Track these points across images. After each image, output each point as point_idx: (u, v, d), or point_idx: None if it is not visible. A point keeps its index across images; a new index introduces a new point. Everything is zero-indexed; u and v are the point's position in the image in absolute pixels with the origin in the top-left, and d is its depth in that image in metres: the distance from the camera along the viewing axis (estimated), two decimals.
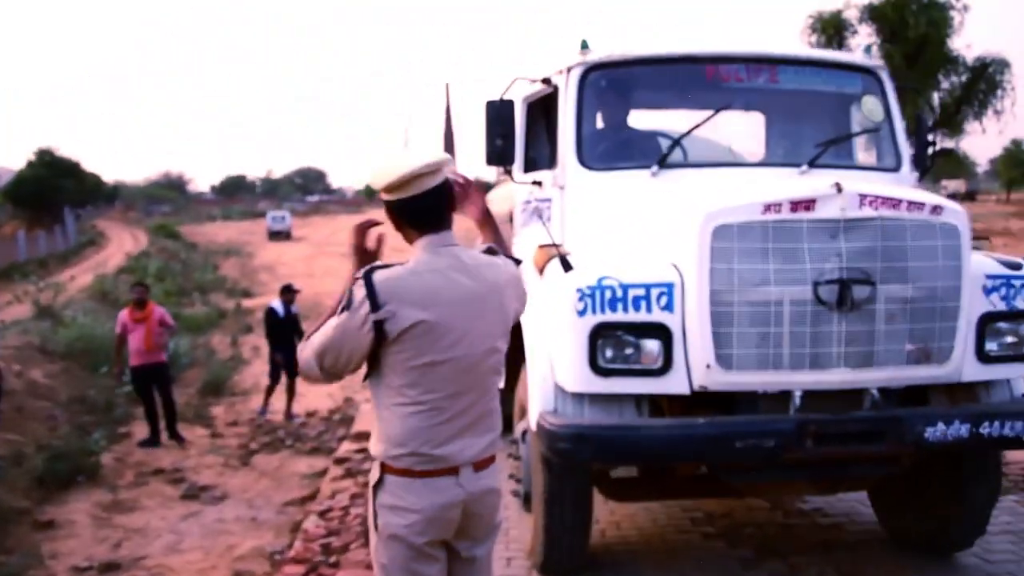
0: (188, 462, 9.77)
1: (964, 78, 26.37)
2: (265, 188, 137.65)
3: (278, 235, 58.66)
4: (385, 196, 2.59)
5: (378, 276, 2.47)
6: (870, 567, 4.78)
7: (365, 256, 2.64)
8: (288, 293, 11.58)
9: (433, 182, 2.56)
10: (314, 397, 12.50)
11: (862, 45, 5.30)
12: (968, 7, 25.85)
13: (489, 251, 2.74)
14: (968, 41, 32.52)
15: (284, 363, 11.22)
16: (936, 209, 3.90)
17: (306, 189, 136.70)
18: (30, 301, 19.26)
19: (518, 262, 2.81)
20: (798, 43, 5.91)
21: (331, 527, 6.02)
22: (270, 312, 11.62)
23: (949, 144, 27.80)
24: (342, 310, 2.49)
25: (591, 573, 4.67)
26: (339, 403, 12.24)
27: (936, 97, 26.82)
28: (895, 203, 3.83)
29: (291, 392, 11.54)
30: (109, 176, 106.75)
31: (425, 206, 2.56)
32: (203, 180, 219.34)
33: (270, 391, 11.69)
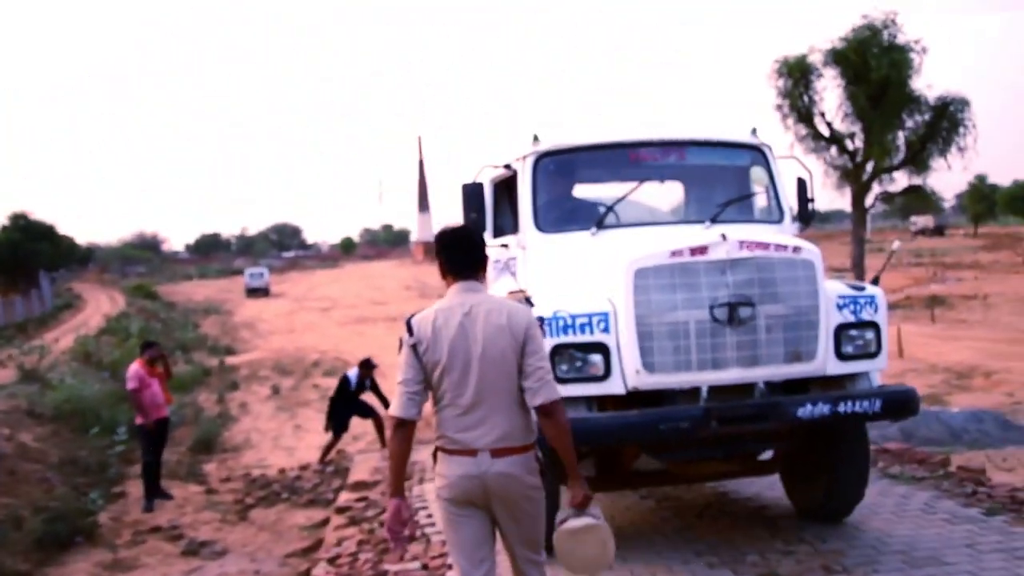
0: (185, 519, 9.95)
1: (927, 116, 27.03)
2: (240, 245, 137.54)
3: (256, 292, 58.83)
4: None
5: (414, 319, 3.80)
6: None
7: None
8: (366, 368, 12.80)
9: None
10: (306, 450, 12.64)
11: (750, 128, 6.84)
12: (927, 49, 26.86)
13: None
14: (929, 81, 33.33)
15: (341, 422, 12.63)
16: (796, 249, 5.51)
17: (282, 245, 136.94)
18: (14, 365, 19.17)
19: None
20: (703, 126, 6.95)
21: (341, 573, 6.35)
22: (344, 380, 12.81)
23: (916, 181, 28.47)
24: (400, 348, 3.84)
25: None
26: (332, 455, 12.28)
27: (902, 136, 27.36)
28: (765, 246, 5.43)
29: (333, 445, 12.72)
30: (83, 238, 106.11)
31: (449, 260, 3.85)
32: (177, 239, 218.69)
33: (331, 447, 12.67)
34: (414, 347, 3.67)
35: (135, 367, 10.53)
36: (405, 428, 3.69)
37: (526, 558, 3.79)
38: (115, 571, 8.26)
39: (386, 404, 12.55)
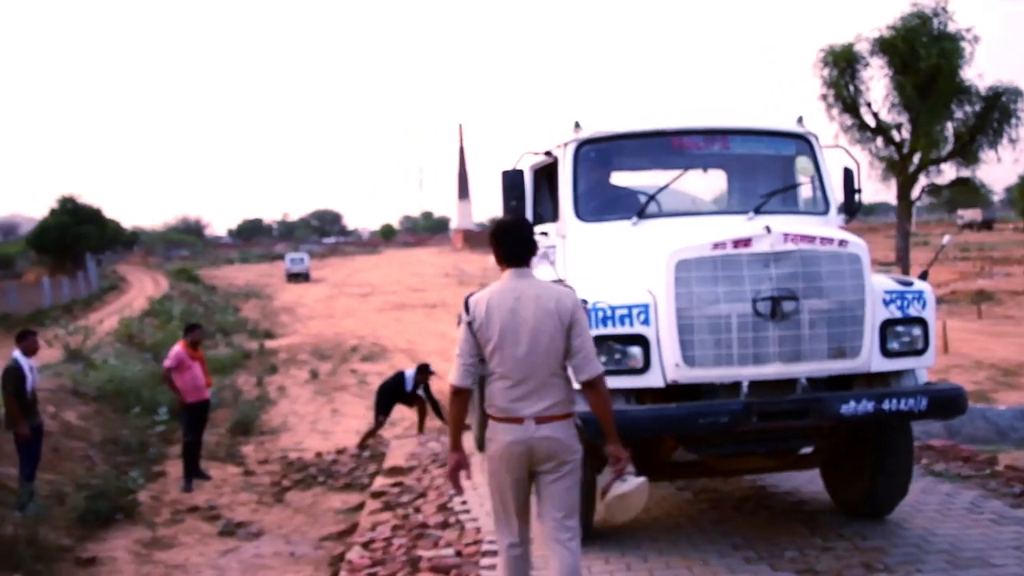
0: (222, 499, 10.04)
1: (977, 107, 26.45)
2: (282, 231, 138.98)
3: (297, 277, 59.22)
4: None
5: (471, 299, 4.21)
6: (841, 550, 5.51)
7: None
8: (422, 374, 12.86)
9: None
10: (343, 435, 12.67)
11: (797, 116, 6.77)
12: (979, 38, 26.38)
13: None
14: (980, 71, 32.52)
15: (385, 411, 12.76)
16: (842, 242, 5.38)
17: (322, 231, 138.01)
18: (60, 345, 19.48)
19: None
20: (748, 115, 7.05)
21: (375, 557, 6.33)
22: (400, 378, 12.93)
23: (965, 173, 27.72)
24: (458, 324, 4.25)
25: (594, 540, 5.79)
26: (371, 441, 12.31)
27: (950, 127, 26.83)
28: (810, 239, 5.32)
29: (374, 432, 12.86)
30: (128, 222, 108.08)
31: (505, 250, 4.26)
32: (220, 224, 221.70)
33: (372, 434, 12.74)
34: (469, 324, 4.11)
35: (178, 348, 10.66)
36: (462, 395, 4.19)
37: (562, 524, 4.12)
38: (153, 549, 8.33)
39: (436, 408, 12.80)
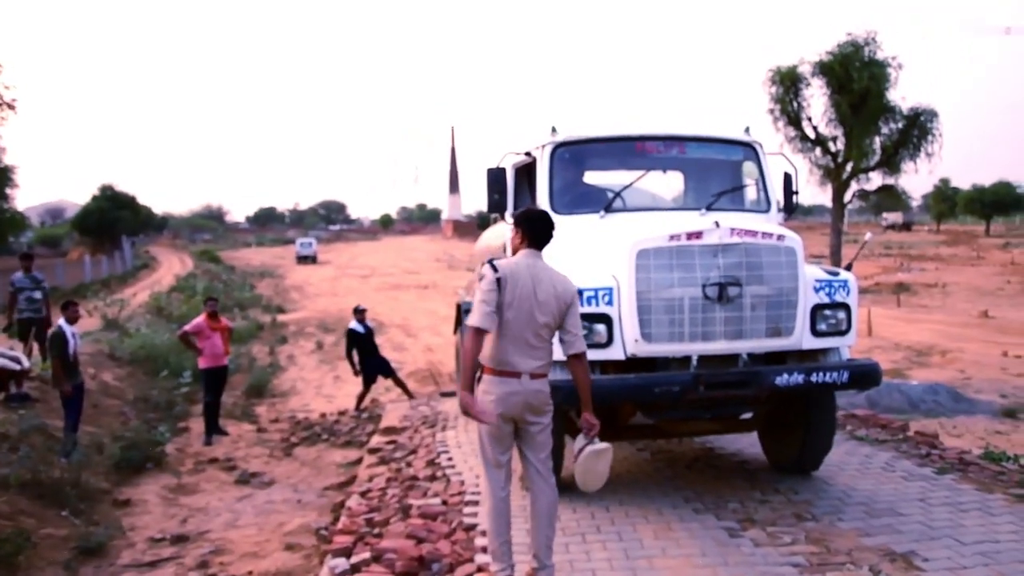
0: (238, 453, 10.00)
1: (900, 125, 26.62)
2: (293, 218, 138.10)
3: (305, 259, 58.93)
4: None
5: (496, 261, 4.32)
6: (835, 535, 5.19)
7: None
8: (360, 313, 12.54)
9: None
10: (344, 398, 12.65)
11: (744, 126, 6.80)
12: (902, 65, 26.49)
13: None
14: (903, 94, 32.72)
15: (380, 368, 12.41)
16: (780, 237, 5.45)
17: (329, 219, 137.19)
18: (99, 315, 19.32)
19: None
20: (703, 124, 7.10)
21: (372, 505, 6.33)
22: (352, 333, 12.41)
23: (889, 181, 27.91)
24: (480, 280, 4.28)
25: (562, 492, 5.55)
26: (366, 403, 12.32)
27: (878, 140, 26.96)
28: (754, 233, 5.39)
29: (399, 383, 12.77)
30: (159, 208, 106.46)
31: (532, 234, 4.41)
32: (239, 211, 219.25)
33: (363, 398, 12.47)
34: (498, 280, 4.20)
35: (199, 319, 10.67)
36: (481, 336, 4.19)
37: (544, 464, 4.37)
38: (179, 494, 8.35)
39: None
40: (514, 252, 4.46)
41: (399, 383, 12.74)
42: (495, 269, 4.23)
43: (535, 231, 4.39)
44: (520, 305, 4.21)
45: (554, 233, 4.46)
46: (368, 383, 12.40)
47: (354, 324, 12.41)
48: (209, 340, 10.44)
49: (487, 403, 4.23)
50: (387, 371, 12.60)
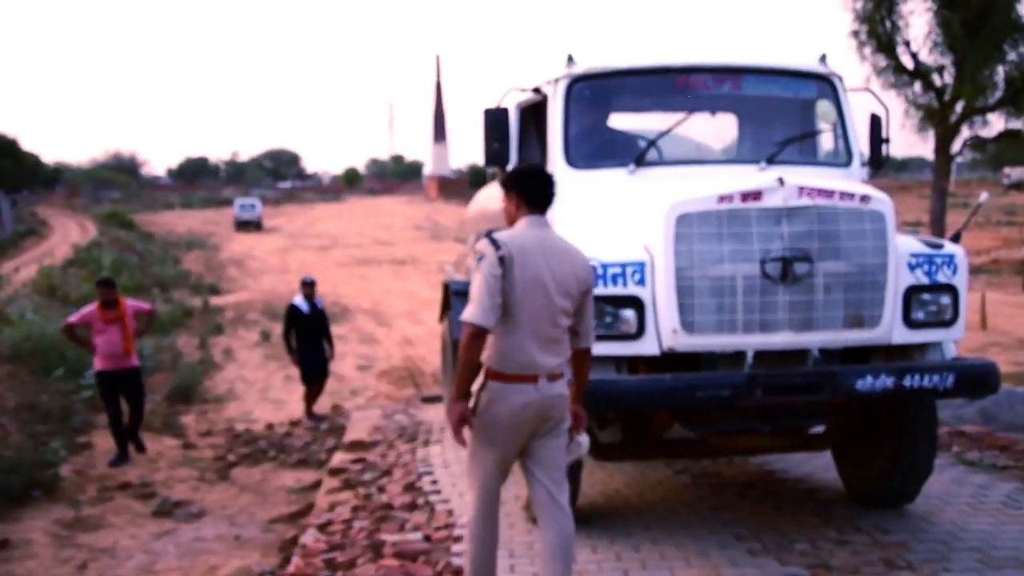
0: (158, 475, 10.11)
1: None
2: (230, 172, 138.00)
3: (247, 225, 59.31)
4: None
5: (496, 233, 4.32)
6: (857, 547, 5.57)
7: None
8: (307, 287, 12.47)
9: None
10: (297, 404, 12.77)
11: (820, 54, 6.78)
12: None
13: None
14: None
15: (317, 364, 12.34)
16: (865, 198, 5.42)
17: (277, 174, 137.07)
18: None
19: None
20: (763, 52, 7.15)
21: (333, 541, 6.38)
22: (292, 309, 12.45)
23: (1015, 125, 27.71)
24: (479, 262, 4.24)
25: (580, 526, 5.67)
26: (326, 411, 12.38)
27: (1001, 71, 26.74)
28: (829, 193, 5.35)
29: (317, 392, 12.62)
30: (50, 156, 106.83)
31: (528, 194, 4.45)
32: (159, 162, 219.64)
33: (311, 396, 12.57)
34: (502, 259, 4.21)
35: (90, 307, 10.56)
36: (482, 337, 4.23)
37: (558, 486, 4.43)
38: (77, 530, 8.32)
39: (329, 340, 12.60)
40: (510, 223, 4.50)
41: (312, 394, 12.61)
42: (497, 245, 4.24)
43: (533, 190, 4.44)
44: (533, 288, 4.25)
45: (555, 192, 4.52)
46: (309, 380, 12.44)
47: (297, 299, 12.46)
48: (103, 335, 10.28)
49: (497, 416, 4.29)
50: (320, 374, 12.54)
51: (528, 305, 4.24)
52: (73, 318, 10.59)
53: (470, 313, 4.19)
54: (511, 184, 4.51)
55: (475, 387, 4.34)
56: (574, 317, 4.40)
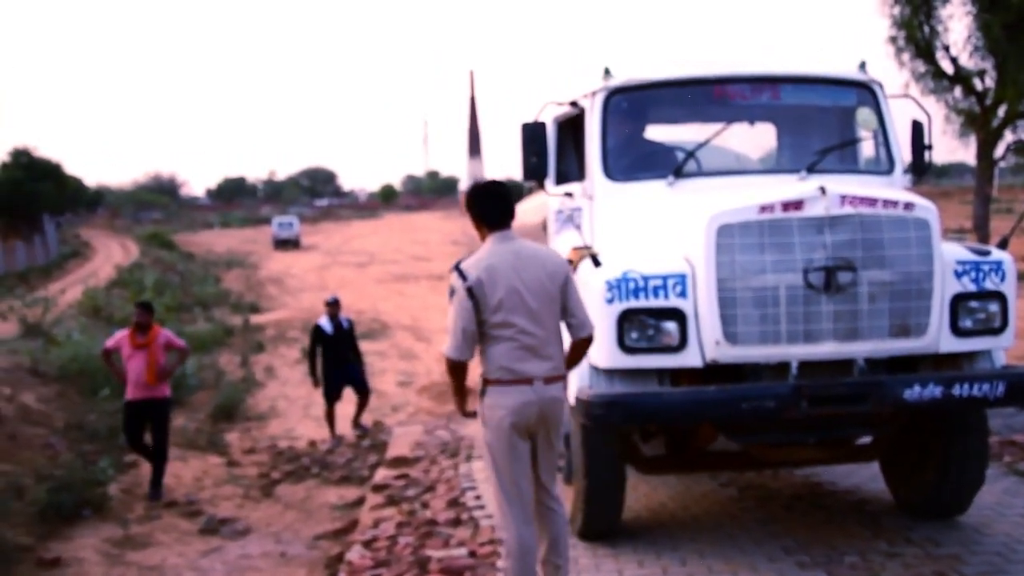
0: (203, 493, 10.21)
1: None
2: (268, 191, 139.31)
3: (285, 243, 59.76)
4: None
5: (463, 264, 4.59)
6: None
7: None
8: (332, 306, 12.62)
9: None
10: (341, 421, 12.79)
11: (859, 61, 6.76)
12: None
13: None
14: None
15: (348, 378, 12.58)
16: (908, 206, 5.39)
17: (314, 192, 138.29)
18: (16, 318, 19.64)
19: None
20: (801, 60, 7.17)
21: (379, 558, 6.43)
22: (317, 330, 12.63)
23: None
24: (451, 296, 4.55)
25: (626, 541, 6.05)
26: (368, 428, 12.41)
27: None
28: (872, 202, 5.32)
29: (362, 407, 12.88)
30: (92, 179, 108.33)
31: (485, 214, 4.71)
32: (198, 183, 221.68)
33: (331, 417, 12.68)
34: (470, 289, 4.47)
35: (121, 332, 10.15)
36: (460, 369, 4.61)
37: (552, 488, 4.76)
38: (126, 548, 8.42)
39: (359, 358, 12.82)
40: (481, 239, 4.73)
41: (360, 407, 12.82)
42: (464, 276, 4.52)
43: (487, 212, 4.69)
44: (510, 302, 4.51)
45: (512, 207, 4.74)
46: (331, 399, 12.56)
47: (322, 320, 12.60)
48: (132, 360, 9.79)
49: (502, 419, 4.53)
50: (357, 384, 12.71)
51: (510, 318, 4.49)
52: (109, 343, 10.18)
53: (447, 347, 4.59)
54: (468, 206, 4.75)
55: (475, 404, 4.71)
56: (564, 312, 4.64)
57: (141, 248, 53.43)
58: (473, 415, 4.83)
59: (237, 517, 9.30)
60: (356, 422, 12.70)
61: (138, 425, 10.03)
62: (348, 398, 12.91)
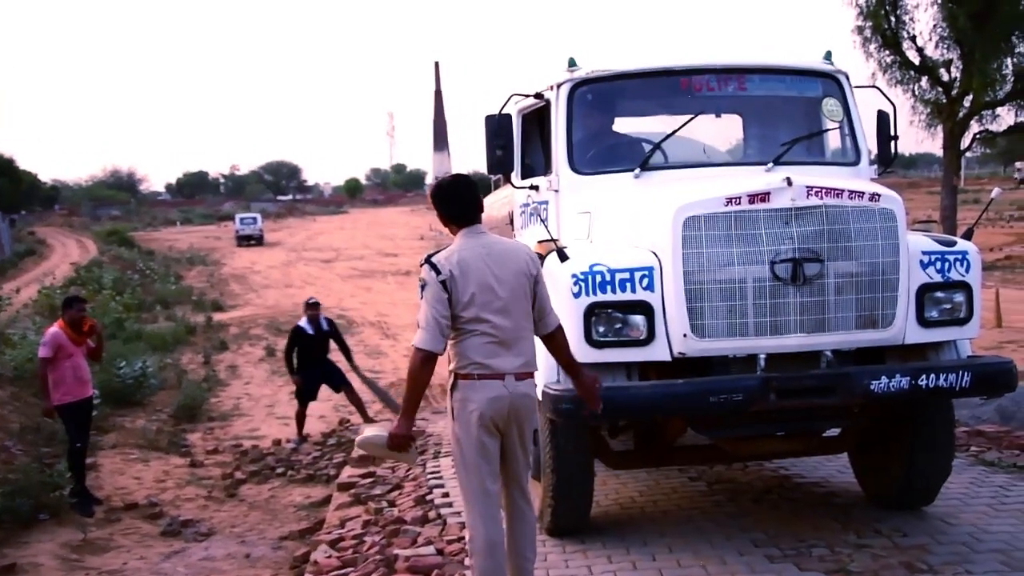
0: (165, 495, 10.19)
1: None
2: (230, 186, 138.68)
3: (248, 240, 59.51)
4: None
5: (435, 258, 4.60)
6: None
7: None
8: (311, 308, 12.60)
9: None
10: (311, 422, 12.63)
11: (824, 51, 6.84)
12: None
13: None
14: None
15: (327, 378, 12.51)
16: (874, 197, 5.43)
17: (277, 187, 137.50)
18: None
19: None
20: (767, 51, 7.23)
21: (346, 558, 6.43)
22: (297, 331, 12.56)
23: None
24: (422, 289, 4.55)
25: (595, 536, 6.06)
26: (333, 426, 12.41)
27: (1010, 64, 26.69)
28: (838, 192, 5.37)
29: (358, 404, 12.77)
30: (47, 175, 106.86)
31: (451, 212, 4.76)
32: (158, 178, 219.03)
33: (301, 417, 12.59)
34: (443, 283, 4.50)
35: (54, 329, 9.42)
36: (431, 361, 4.53)
37: (524, 488, 4.79)
38: (85, 553, 8.35)
39: (347, 354, 12.74)
40: (453, 234, 4.77)
41: (355, 402, 12.76)
42: (436, 270, 4.53)
43: (451, 210, 4.74)
44: (486, 294, 4.55)
45: (478, 202, 4.76)
46: (304, 399, 12.49)
47: (302, 322, 12.56)
48: (70, 360, 9.26)
49: (471, 414, 4.55)
50: (337, 381, 12.62)
51: (482, 313, 4.53)
52: (46, 351, 9.18)
53: (419, 339, 4.52)
54: (433, 202, 4.80)
55: (447, 400, 4.79)
56: (534, 308, 4.67)
57: (99, 246, 52.91)
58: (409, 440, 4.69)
59: (200, 519, 9.28)
60: (367, 420, 12.50)
61: (86, 425, 9.69)
62: (321, 398, 12.84)
